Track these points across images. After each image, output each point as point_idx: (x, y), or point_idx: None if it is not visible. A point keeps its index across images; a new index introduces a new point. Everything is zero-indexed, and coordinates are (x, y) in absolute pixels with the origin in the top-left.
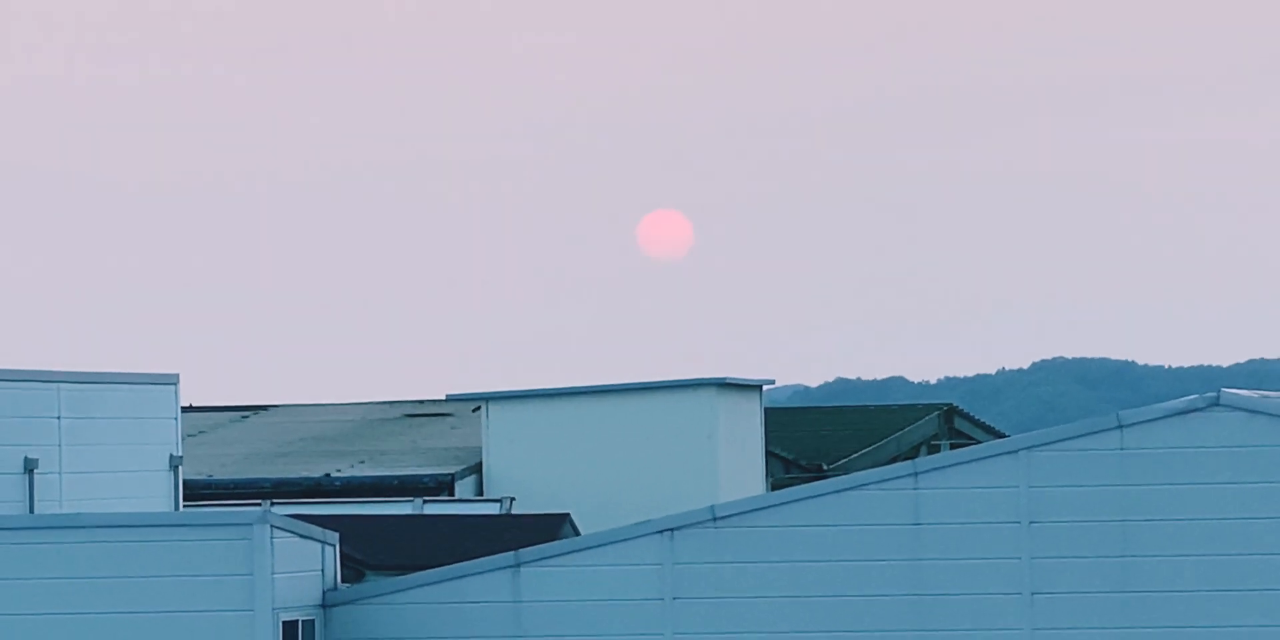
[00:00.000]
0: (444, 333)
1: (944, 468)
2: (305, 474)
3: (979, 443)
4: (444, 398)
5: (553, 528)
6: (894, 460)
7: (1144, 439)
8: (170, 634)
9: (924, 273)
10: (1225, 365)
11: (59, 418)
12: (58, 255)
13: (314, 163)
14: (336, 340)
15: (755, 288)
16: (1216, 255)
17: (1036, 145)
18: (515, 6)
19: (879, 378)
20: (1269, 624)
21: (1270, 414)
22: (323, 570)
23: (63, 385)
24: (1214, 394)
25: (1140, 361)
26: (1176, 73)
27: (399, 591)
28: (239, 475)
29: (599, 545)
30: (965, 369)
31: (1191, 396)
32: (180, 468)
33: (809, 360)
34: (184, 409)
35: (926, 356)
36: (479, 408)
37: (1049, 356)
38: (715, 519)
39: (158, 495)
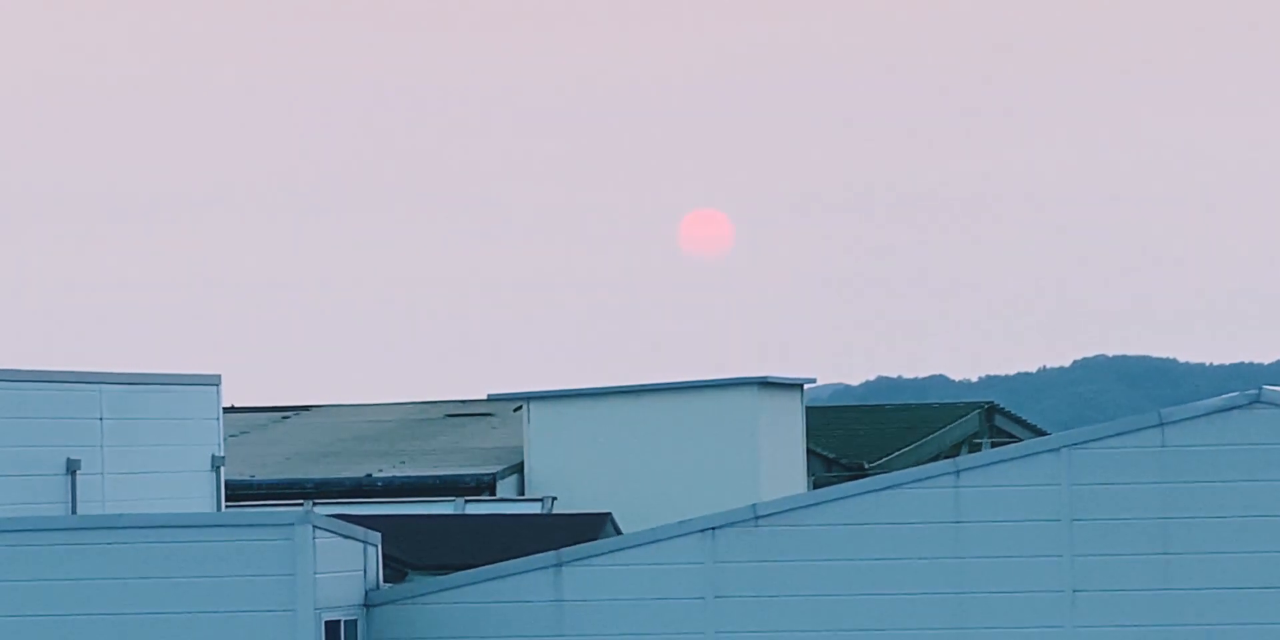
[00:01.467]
0: (485, 333)
1: (985, 466)
2: (347, 474)
3: (1020, 440)
4: (485, 397)
5: (594, 527)
6: (935, 458)
7: (1185, 436)
8: (212, 634)
9: (965, 272)
10: (1266, 363)
11: (101, 419)
12: (100, 259)
13: (359, 166)
14: (378, 341)
15: (796, 287)
16: (1257, 254)
17: (1078, 143)
18: (566, 10)
19: (920, 376)
20: None
21: None
22: (365, 570)
23: (105, 386)
24: (1255, 391)
25: (1181, 359)
26: (1206, 69)
27: (441, 591)
28: (281, 476)
29: (640, 544)
30: (1006, 367)
31: (1232, 394)
32: (222, 468)
33: (850, 359)
34: (226, 410)
35: (968, 355)
36: (520, 407)
37: (1090, 355)
38: (757, 518)
39: (200, 496)
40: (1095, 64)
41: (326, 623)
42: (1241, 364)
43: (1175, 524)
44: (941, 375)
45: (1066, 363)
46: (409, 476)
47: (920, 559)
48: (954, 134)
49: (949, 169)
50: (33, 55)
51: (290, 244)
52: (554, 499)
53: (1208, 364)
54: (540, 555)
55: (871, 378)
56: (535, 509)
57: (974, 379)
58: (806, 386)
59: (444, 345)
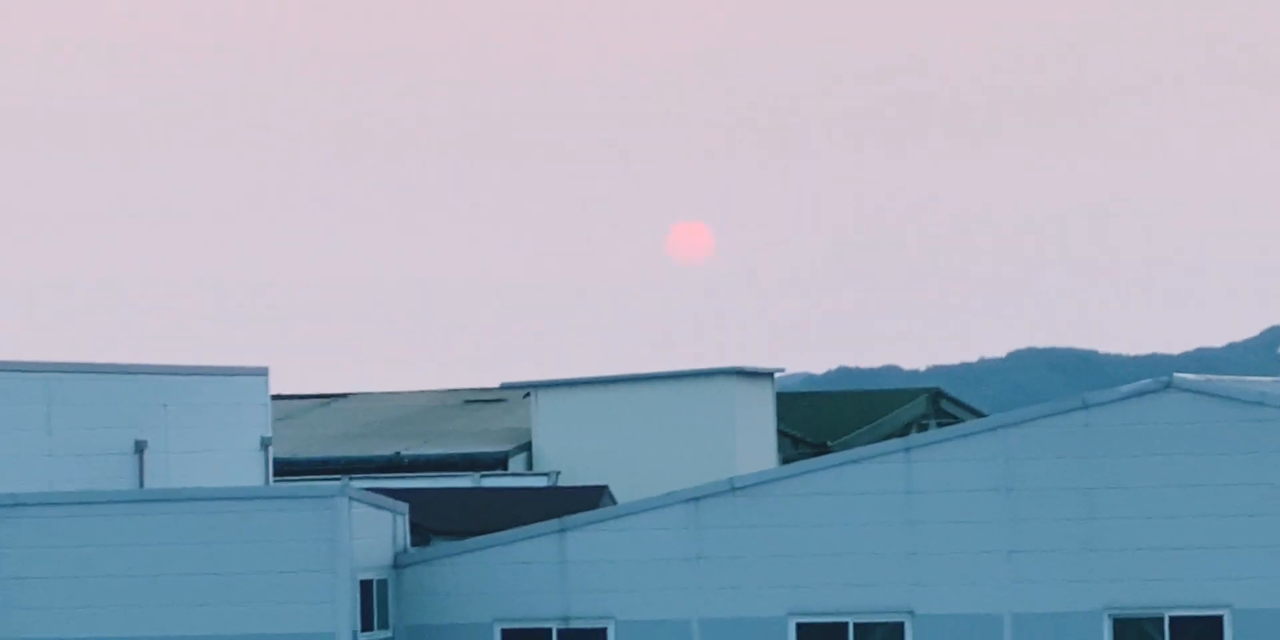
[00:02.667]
0: (498, 329)
1: (932, 444)
2: (378, 453)
3: (962, 422)
4: (498, 386)
5: (593, 498)
6: (889, 437)
7: (1106, 418)
8: (262, 592)
9: (914, 275)
10: (1175, 354)
11: (165, 405)
12: (167, 260)
13: (396, 180)
14: (405, 337)
15: (768, 289)
16: (1168, 256)
17: (1024, 152)
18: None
19: (875, 366)
20: (1216, 577)
21: (1214, 395)
22: (394, 535)
23: (168, 377)
24: (1166, 378)
25: (1102, 350)
26: (1136, 78)
27: (460, 554)
28: (321, 454)
29: (633, 512)
30: (950, 358)
31: (1146, 381)
32: (270, 448)
33: (815, 351)
34: (273, 397)
35: (917, 347)
36: (529, 394)
37: (1023, 346)
38: (734, 489)
39: (251, 472)
40: (1015, 67)
41: (361, 581)
42: (1155, 355)
43: (1097, 493)
44: (894, 365)
45: (1003, 354)
46: (432, 454)
47: (876, 524)
48: (903, 146)
49: (898, 183)
50: (96, 54)
51: (328, 251)
52: (558, 474)
53: (1125, 355)
54: (547, 522)
55: (833, 367)
56: (542, 482)
57: (922, 368)
58: (777, 375)
59: (462, 340)
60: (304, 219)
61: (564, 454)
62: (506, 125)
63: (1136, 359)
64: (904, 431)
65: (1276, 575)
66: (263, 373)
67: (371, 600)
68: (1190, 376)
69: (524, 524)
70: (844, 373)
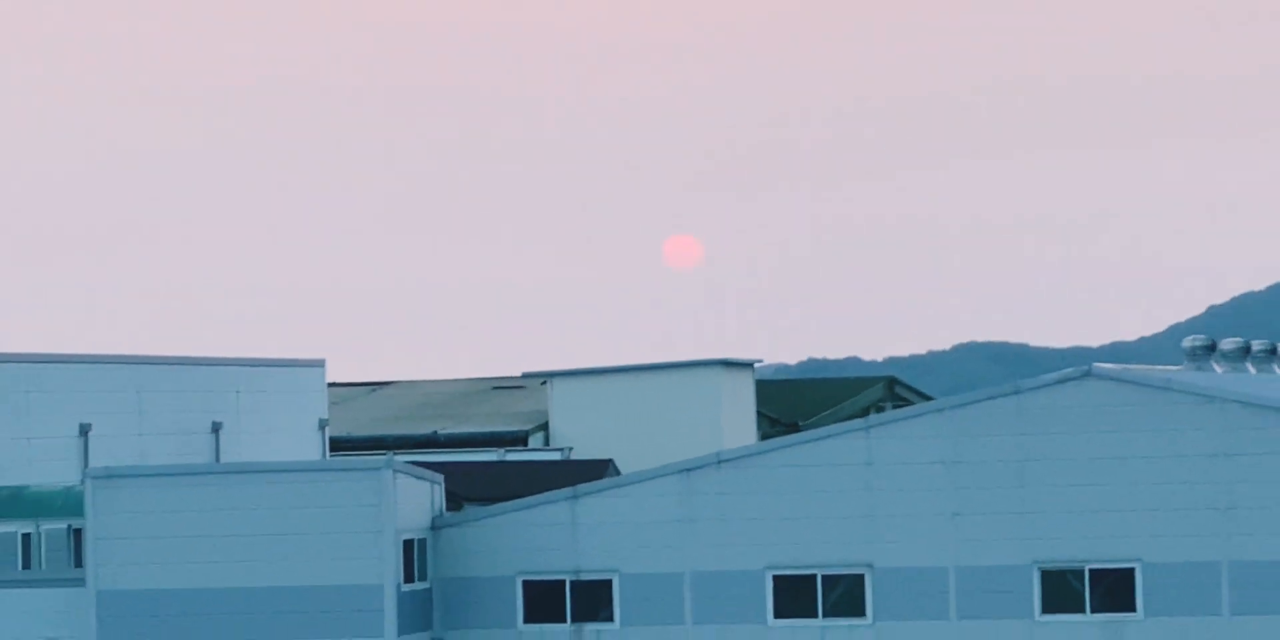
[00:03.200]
0: (520, 327)
1: (888, 423)
2: (418, 431)
3: (914, 404)
4: (520, 375)
5: (600, 470)
6: (851, 418)
7: (1035, 401)
8: (320, 550)
9: (874, 279)
10: (1095, 346)
11: (238, 392)
12: (241, 268)
13: (431, 190)
14: (441, 333)
15: (749, 292)
16: (1092, 262)
17: (968, 167)
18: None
19: (840, 357)
20: (1128, 535)
21: (1127, 382)
22: (432, 502)
23: (240, 367)
24: (1086, 368)
25: (1033, 344)
26: (1050, 87)
27: (488, 517)
28: (370, 433)
29: (634, 482)
30: (904, 350)
31: (1070, 369)
32: (326, 428)
33: (788, 344)
34: (329, 385)
35: (876, 341)
36: (546, 382)
37: (967, 340)
38: (720, 462)
39: (310, 448)
40: (951, 80)
41: (404, 541)
42: (1078, 347)
43: (1028, 465)
44: (856, 356)
45: (949, 346)
46: (464, 433)
47: (840, 491)
48: (866, 174)
49: (861, 208)
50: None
51: (378, 260)
52: (570, 449)
53: (1053, 347)
54: (560, 490)
55: (804, 358)
56: (556, 457)
57: (880, 359)
58: (756, 365)
59: (489, 337)
60: (360, 233)
61: (575, 432)
62: (537, 159)
63: (1062, 351)
64: (864, 413)
65: (1180, 533)
66: (320, 364)
67: (413, 556)
68: (1108, 366)
69: (541, 492)
70: (813, 363)
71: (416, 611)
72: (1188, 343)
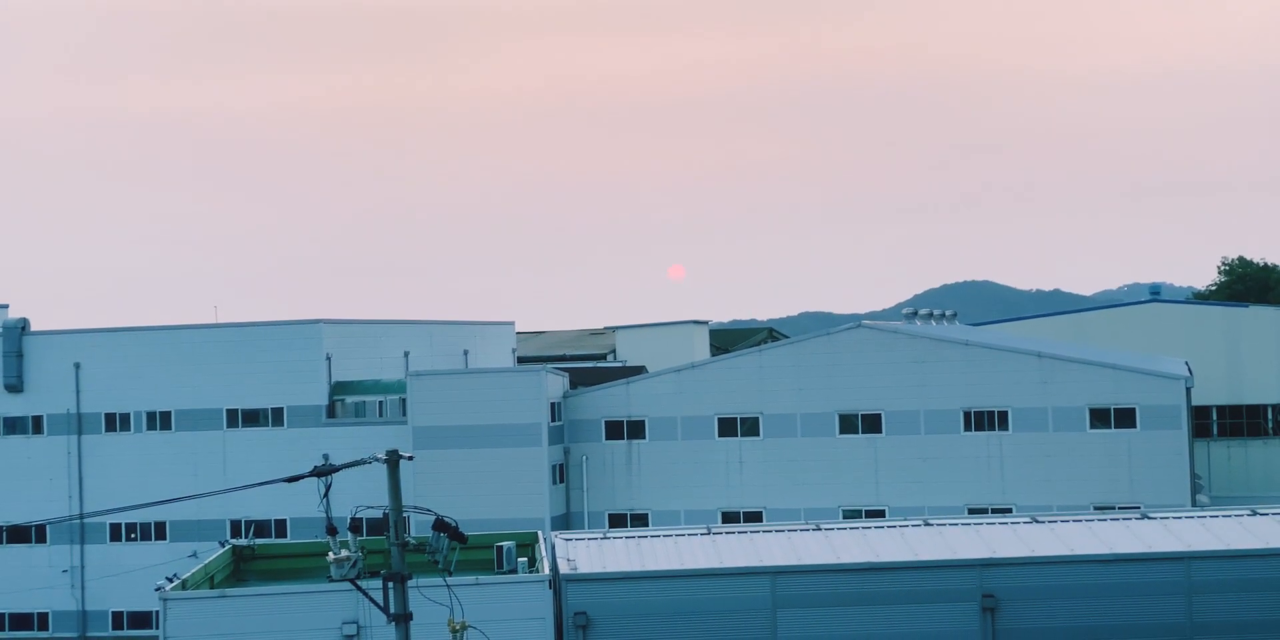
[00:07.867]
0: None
1: (769, 349)
2: (557, 353)
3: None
4: (603, 328)
5: (639, 370)
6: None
7: (839, 341)
8: (518, 408)
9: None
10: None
11: (480, 340)
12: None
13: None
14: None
15: (724, 294)
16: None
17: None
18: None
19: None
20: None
21: (887, 331)
22: (564, 385)
23: (477, 326)
24: (858, 323)
25: (837, 312)
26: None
27: (587, 391)
28: (537, 354)
29: (654, 375)
30: (765, 315)
31: (851, 324)
32: (515, 351)
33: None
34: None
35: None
36: (614, 330)
37: (808, 311)
38: (694, 366)
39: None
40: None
41: (551, 402)
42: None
43: (834, 368)
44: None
45: (796, 313)
46: (579, 353)
47: (746, 381)
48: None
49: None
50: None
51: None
52: (625, 361)
53: (852, 314)
54: (622, 379)
55: (727, 320)
56: (619, 365)
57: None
58: (709, 325)
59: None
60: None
61: (629, 354)
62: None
63: (860, 315)
64: (758, 345)
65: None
66: (511, 323)
67: (556, 410)
68: (877, 323)
69: (613, 380)
70: (736, 324)
71: (557, 435)
72: (906, 311)
